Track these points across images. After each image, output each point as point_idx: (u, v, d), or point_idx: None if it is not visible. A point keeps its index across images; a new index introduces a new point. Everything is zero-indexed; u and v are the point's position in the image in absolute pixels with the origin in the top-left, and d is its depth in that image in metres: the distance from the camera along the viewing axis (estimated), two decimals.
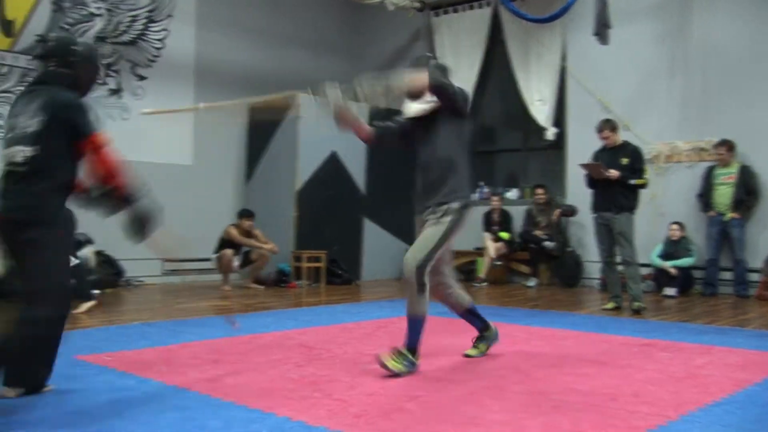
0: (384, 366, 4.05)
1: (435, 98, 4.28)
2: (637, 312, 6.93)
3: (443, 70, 4.55)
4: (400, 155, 11.27)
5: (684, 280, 8.70)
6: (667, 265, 8.70)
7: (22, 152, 3.41)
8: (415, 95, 4.37)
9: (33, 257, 3.38)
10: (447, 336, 5.45)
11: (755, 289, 8.40)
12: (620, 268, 7.27)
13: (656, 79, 9.35)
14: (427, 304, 4.26)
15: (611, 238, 7.12)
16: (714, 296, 8.54)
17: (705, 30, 9.05)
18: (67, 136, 3.44)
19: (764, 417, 3.29)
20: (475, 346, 4.74)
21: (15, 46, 8.76)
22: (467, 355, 4.67)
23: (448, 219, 4.21)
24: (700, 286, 8.83)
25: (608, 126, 7.23)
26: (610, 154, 7.17)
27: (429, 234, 4.23)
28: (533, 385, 3.85)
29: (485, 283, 9.94)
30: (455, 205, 4.24)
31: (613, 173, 6.95)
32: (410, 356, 4.16)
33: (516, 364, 4.43)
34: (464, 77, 11.18)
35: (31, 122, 3.43)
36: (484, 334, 4.77)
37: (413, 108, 4.45)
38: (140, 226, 3.65)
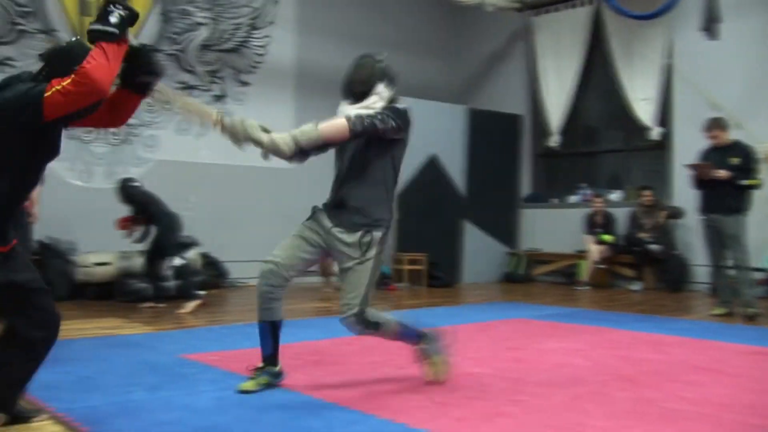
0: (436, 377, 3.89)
1: (377, 105, 3.88)
2: (750, 318, 6.66)
3: (390, 78, 4.12)
4: (500, 158, 11.25)
5: None
6: None
7: None
8: (358, 95, 3.97)
9: None
10: (548, 339, 5.37)
11: None
12: (731, 272, 7.01)
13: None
14: (390, 321, 3.88)
15: (721, 240, 6.87)
16: None
17: None
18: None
19: None
20: (253, 378, 3.77)
21: None
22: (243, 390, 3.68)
23: (372, 254, 3.70)
24: None
25: (717, 124, 6.98)
26: (719, 153, 6.91)
27: (359, 277, 3.67)
28: (639, 392, 3.75)
29: (587, 287, 9.74)
30: (378, 233, 3.74)
31: (722, 173, 6.71)
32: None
33: (620, 370, 4.32)
34: (565, 77, 11.03)
35: None
36: (266, 368, 3.82)
37: (348, 112, 3.89)
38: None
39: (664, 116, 10.02)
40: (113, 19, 2.81)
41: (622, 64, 10.32)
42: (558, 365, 4.47)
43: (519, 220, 11.58)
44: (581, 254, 10.18)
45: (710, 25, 8.27)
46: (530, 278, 10.90)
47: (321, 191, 11.22)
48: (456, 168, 10.66)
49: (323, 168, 11.04)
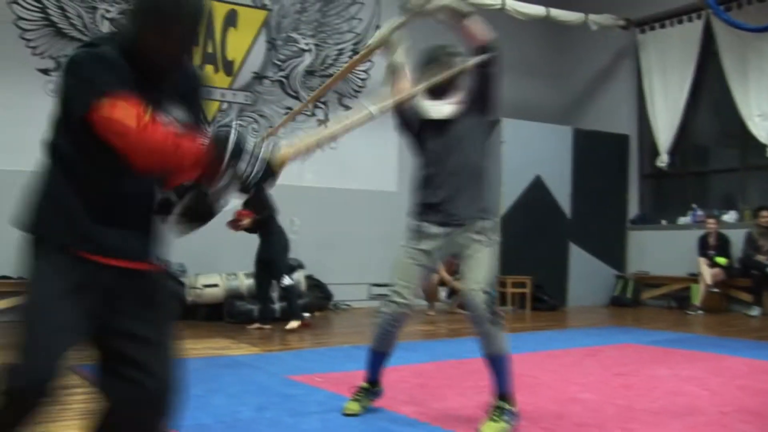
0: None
1: (461, 95, 3.75)
2: None
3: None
4: (607, 180, 11.00)
5: None
6: None
7: None
8: (439, 91, 3.67)
9: None
10: (659, 366, 5.19)
11: None
12: None
13: None
14: (505, 337, 3.59)
15: None
16: None
17: None
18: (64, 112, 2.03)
19: None
20: (357, 399, 3.78)
21: (234, 84, 9.39)
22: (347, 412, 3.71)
23: (494, 239, 3.73)
24: None
25: None
26: None
27: (485, 258, 3.63)
28: (763, 425, 3.56)
29: (701, 312, 9.38)
30: (489, 224, 3.71)
31: None
32: (508, 406, 3.48)
33: (741, 401, 4.12)
34: (674, 94, 10.72)
35: None
36: (371, 389, 3.84)
37: (442, 109, 3.76)
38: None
39: None
40: (244, 162, 1.94)
41: (735, 79, 9.95)
42: (671, 393, 4.30)
43: (627, 242, 11.28)
44: (694, 277, 9.82)
45: None
46: (638, 302, 10.59)
47: None
48: (561, 189, 10.49)
49: None
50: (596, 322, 8.55)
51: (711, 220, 9.84)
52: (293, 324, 7.16)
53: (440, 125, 3.76)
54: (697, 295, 9.60)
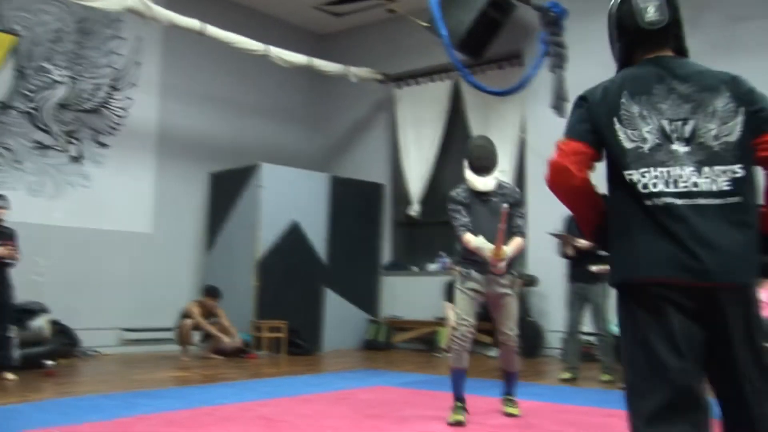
0: (512, 415, 5.05)
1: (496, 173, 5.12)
2: (606, 382, 6.93)
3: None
4: (362, 227, 11.37)
5: None
6: None
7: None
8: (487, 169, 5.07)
9: None
10: (408, 407, 5.39)
11: None
12: (583, 338, 7.30)
13: None
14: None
15: (582, 308, 7.15)
16: None
17: None
18: None
19: None
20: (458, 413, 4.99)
21: None
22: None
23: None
24: None
25: None
26: None
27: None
28: None
29: (447, 354, 9.85)
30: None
31: (584, 243, 6.97)
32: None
33: None
34: (425, 147, 11.35)
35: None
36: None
37: (489, 182, 5.09)
38: None
39: (519, 188, 10.41)
40: None
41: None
42: None
43: (380, 287, 11.68)
44: (440, 321, 10.33)
45: (559, 103, 8.76)
46: (391, 345, 10.95)
47: (178, 257, 11.03)
48: (318, 235, 10.68)
49: (181, 235, 10.89)
50: (350, 366, 8.73)
51: (457, 267, 10.42)
52: (8, 375, 6.73)
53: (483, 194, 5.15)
54: (444, 337, 10.09)
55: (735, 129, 2.12)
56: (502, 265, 4.82)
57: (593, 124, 2.22)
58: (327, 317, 10.75)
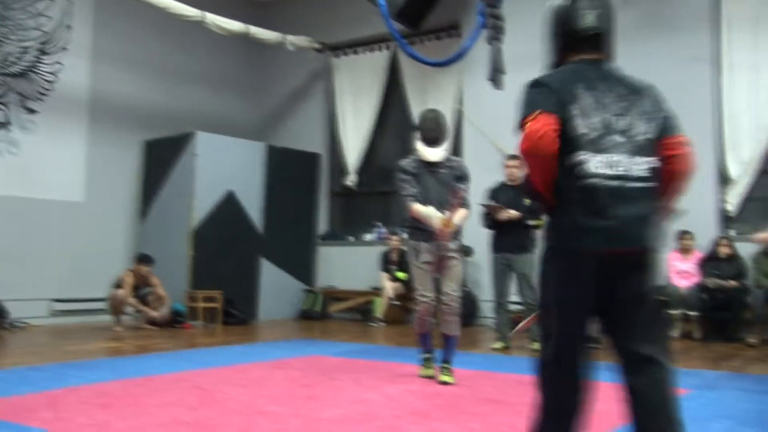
0: (447, 383, 5.13)
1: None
2: (534, 351, 7.06)
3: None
4: (298, 196, 11.33)
5: None
6: None
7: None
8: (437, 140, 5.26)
9: None
10: (343, 376, 5.44)
11: None
12: (512, 308, 7.45)
13: None
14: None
15: (508, 278, 7.27)
16: None
17: None
18: None
19: None
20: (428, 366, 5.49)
21: None
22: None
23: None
24: None
25: (517, 159, 7.18)
26: (511, 191, 7.24)
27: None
28: (431, 425, 3.87)
29: (383, 323, 9.96)
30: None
31: (513, 214, 7.08)
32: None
33: (413, 405, 4.45)
34: (362, 118, 11.35)
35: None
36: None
37: (438, 153, 5.28)
38: None
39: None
40: None
41: (416, 107, 10.75)
42: (352, 401, 4.53)
43: (315, 257, 11.68)
44: (376, 291, 10.41)
45: (495, 75, 8.81)
46: (327, 315, 10.99)
47: (111, 227, 10.85)
48: (253, 204, 10.62)
49: (114, 204, 10.69)
50: (285, 336, 8.74)
51: (394, 237, 10.50)
52: None
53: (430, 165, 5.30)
54: (380, 307, 10.19)
55: (653, 129, 2.56)
56: (448, 235, 5.04)
57: (558, 103, 2.48)
58: (262, 287, 10.73)
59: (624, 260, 2.46)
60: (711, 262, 8.33)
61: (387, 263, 10.37)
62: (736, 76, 8.72)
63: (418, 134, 5.35)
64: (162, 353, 6.85)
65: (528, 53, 9.93)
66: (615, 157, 2.47)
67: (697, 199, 8.75)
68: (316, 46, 11.53)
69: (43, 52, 9.59)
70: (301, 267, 11.42)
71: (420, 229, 5.19)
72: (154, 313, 9.04)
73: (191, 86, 11.44)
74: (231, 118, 11.88)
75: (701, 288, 8.21)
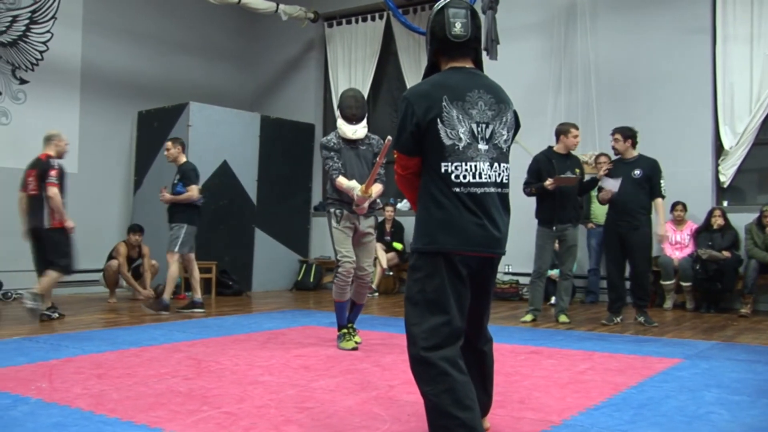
0: (358, 342, 5.42)
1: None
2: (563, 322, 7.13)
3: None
4: (292, 167, 11.30)
5: None
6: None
7: None
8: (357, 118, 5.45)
9: None
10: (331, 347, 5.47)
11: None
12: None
13: (542, 94, 9.64)
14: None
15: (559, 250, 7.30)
16: (595, 304, 8.88)
17: (587, 49, 9.42)
18: None
19: (638, 418, 3.43)
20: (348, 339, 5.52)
21: None
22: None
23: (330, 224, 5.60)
24: (582, 294, 9.18)
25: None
26: (567, 161, 7.15)
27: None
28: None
29: (377, 294, 9.99)
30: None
31: (568, 179, 6.94)
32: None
33: (407, 374, 4.46)
34: (357, 87, 11.26)
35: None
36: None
37: (358, 130, 5.49)
38: None
39: None
40: None
41: (411, 78, 10.71)
42: (346, 371, 4.56)
43: (310, 228, 11.68)
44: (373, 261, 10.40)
45: (490, 45, 8.78)
46: (321, 286, 11.02)
47: (104, 198, 10.74)
48: (248, 175, 10.59)
49: (108, 175, 10.58)
50: (280, 306, 8.77)
51: (389, 208, 10.50)
52: None
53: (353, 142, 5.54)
54: (374, 277, 10.21)
55: (510, 137, 2.81)
56: (366, 204, 5.40)
57: (417, 126, 2.64)
58: (257, 258, 10.74)
59: (484, 261, 2.75)
60: (704, 233, 8.36)
61: (382, 234, 10.38)
62: (731, 48, 8.69)
63: (339, 112, 5.55)
64: (157, 324, 6.87)
65: (521, 24, 9.93)
66: (479, 165, 2.66)
67: (693, 171, 8.79)
68: (310, 15, 11.44)
69: (34, 21, 9.50)
70: (296, 238, 11.42)
71: (343, 201, 5.46)
72: (145, 292, 8.97)
73: (185, 57, 11.36)
74: (225, 89, 11.81)
75: (694, 259, 8.24)
